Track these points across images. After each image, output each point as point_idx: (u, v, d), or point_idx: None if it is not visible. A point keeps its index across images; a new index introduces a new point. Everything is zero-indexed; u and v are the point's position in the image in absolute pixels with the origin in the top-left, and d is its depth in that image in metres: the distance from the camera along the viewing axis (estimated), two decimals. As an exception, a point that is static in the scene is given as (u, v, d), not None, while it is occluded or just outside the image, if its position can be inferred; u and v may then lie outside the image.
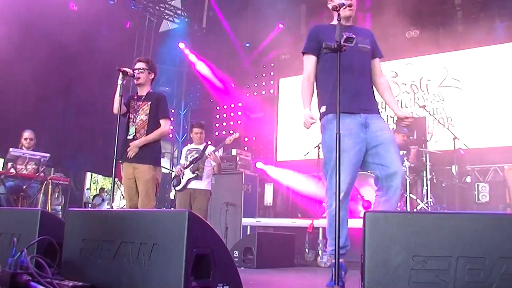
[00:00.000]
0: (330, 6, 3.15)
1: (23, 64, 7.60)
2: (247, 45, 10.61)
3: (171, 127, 4.39)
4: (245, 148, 9.58)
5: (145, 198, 4.05)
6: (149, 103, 4.20)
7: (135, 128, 4.18)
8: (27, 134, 6.10)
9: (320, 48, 3.04)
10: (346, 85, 2.82)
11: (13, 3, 7.59)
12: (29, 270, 1.95)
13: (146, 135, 4.15)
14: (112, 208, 6.16)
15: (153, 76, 4.32)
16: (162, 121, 4.20)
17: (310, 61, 3.18)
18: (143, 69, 4.22)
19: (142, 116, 4.19)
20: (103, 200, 10.69)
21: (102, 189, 11.52)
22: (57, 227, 2.61)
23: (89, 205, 10.39)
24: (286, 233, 6.18)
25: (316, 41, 3.11)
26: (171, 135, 11.35)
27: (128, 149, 4.09)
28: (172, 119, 4.40)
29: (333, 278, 2.46)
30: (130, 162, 4.13)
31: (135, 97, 4.30)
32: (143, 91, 4.29)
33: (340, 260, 3.01)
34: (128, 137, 4.17)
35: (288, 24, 9.94)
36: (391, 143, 3.03)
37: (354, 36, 2.76)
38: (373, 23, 8.52)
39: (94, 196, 11.15)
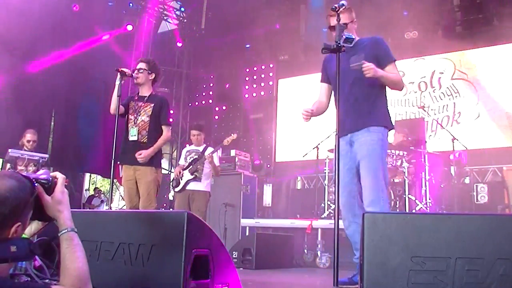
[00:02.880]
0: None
1: (22, 65, 7.60)
2: (247, 46, 10.61)
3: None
4: (244, 149, 9.58)
5: (146, 199, 4.04)
6: (152, 104, 4.19)
7: (138, 129, 4.17)
8: (30, 136, 5.92)
9: (326, 78, 3.49)
10: (342, 109, 2.97)
11: (14, 4, 7.58)
12: (28, 271, 1.95)
13: (147, 137, 4.15)
14: (110, 209, 6.14)
15: (153, 76, 4.30)
16: (164, 127, 4.19)
17: (320, 87, 3.55)
18: (142, 69, 4.22)
19: (143, 117, 4.18)
20: (102, 201, 10.67)
21: (96, 189, 11.48)
22: (56, 228, 2.60)
23: (88, 207, 10.36)
24: (285, 234, 6.18)
25: (324, 69, 3.52)
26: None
27: (137, 154, 4.06)
28: (171, 121, 4.40)
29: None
30: (131, 164, 4.13)
31: (136, 98, 4.29)
32: (144, 92, 4.28)
33: None
34: (131, 139, 4.15)
35: (287, 24, 9.95)
36: (365, 158, 3.14)
37: (353, 36, 2.78)
38: (371, 24, 8.52)
39: (89, 197, 11.11)
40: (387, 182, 3.28)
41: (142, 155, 4.06)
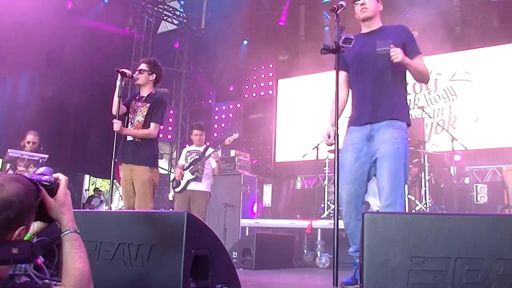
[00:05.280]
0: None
1: (21, 65, 7.60)
2: (245, 42, 10.60)
3: (161, 134, 4.30)
4: (244, 149, 9.57)
5: (142, 199, 4.04)
6: (148, 105, 4.21)
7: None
8: (31, 137, 5.87)
9: (344, 64, 3.12)
10: (360, 96, 2.95)
11: (11, 5, 7.58)
12: (27, 272, 1.95)
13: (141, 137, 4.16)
14: (110, 209, 6.15)
15: (154, 77, 4.31)
16: (151, 124, 4.17)
17: (339, 76, 2.96)
18: (143, 70, 4.23)
19: (139, 117, 4.19)
20: (101, 201, 10.67)
21: (97, 189, 11.48)
22: (56, 228, 2.60)
23: (88, 207, 10.36)
24: (285, 234, 6.18)
25: (342, 57, 2.99)
26: (169, 136, 11.35)
27: (116, 123, 4.00)
28: (162, 127, 4.34)
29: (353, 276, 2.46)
30: (127, 163, 4.14)
31: (137, 97, 4.31)
32: (144, 92, 4.29)
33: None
34: (128, 138, 4.17)
35: (287, 25, 9.95)
36: (386, 157, 2.89)
37: (352, 37, 2.76)
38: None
39: (89, 197, 11.12)
40: (406, 182, 3.05)
41: (120, 126, 3.98)
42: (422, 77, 3.11)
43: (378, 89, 2.99)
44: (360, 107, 3.03)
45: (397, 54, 2.82)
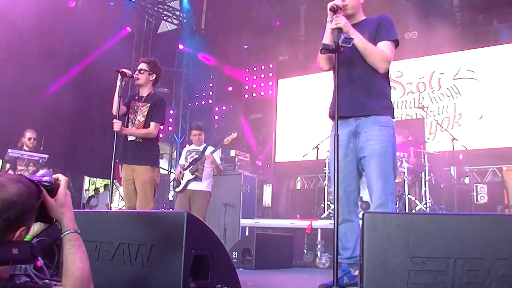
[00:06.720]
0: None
1: (21, 65, 7.59)
2: (245, 47, 10.63)
3: (161, 134, 4.26)
4: (244, 149, 9.57)
5: (143, 199, 4.05)
6: (149, 104, 4.21)
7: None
8: (30, 134, 5.91)
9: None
10: (343, 88, 2.76)
11: (12, 2, 7.57)
12: (27, 272, 1.95)
13: (143, 137, 4.16)
14: (110, 209, 6.14)
15: (154, 77, 4.31)
16: (152, 124, 4.17)
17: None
18: (143, 70, 4.23)
19: (139, 117, 4.20)
20: (99, 201, 10.67)
21: (96, 189, 11.48)
22: (56, 228, 2.60)
23: (87, 207, 10.37)
24: (285, 234, 6.17)
25: None
26: (169, 136, 11.36)
27: (116, 123, 3.99)
28: (162, 127, 4.34)
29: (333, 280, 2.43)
30: (129, 164, 4.14)
31: (136, 97, 4.31)
32: (143, 92, 4.30)
33: (355, 273, 2.84)
34: (129, 138, 4.17)
35: (287, 25, 9.96)
36: (373, 156, 2.86)
37: (352, 37, 2.75)
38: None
39: (90, 197, 11.12)
40: (396, 177, 2.97)
41: (120, 126, 3.98)
42: (369, 56, 2.88)
43: (359, 82, 2.93)
44: (345, 100, 2.84)
45: (338, 19, 2.74)
